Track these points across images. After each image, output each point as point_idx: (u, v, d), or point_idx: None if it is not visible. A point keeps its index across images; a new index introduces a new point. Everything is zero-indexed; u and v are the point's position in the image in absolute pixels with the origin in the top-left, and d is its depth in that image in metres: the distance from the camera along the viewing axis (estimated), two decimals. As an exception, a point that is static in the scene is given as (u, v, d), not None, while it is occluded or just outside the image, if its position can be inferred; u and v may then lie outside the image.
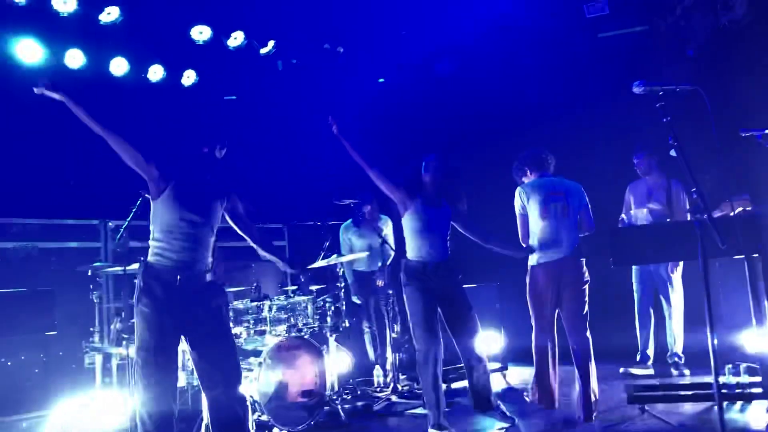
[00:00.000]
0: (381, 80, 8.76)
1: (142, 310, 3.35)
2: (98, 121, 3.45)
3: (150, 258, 3.46)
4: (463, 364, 4.64)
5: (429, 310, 4.50)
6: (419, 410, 5.16)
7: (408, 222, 4.66)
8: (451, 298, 4.62)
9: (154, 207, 3.52)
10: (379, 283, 6.67)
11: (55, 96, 3.46)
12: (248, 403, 3.70)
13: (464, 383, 5.25)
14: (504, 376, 6.64)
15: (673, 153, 3.07)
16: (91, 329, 5.46)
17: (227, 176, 3.68)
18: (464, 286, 4.81)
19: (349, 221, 6.98)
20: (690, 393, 4.76)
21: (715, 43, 6.67)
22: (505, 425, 4.52)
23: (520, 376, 6.64)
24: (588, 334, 4.70)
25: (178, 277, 3.39)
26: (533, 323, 4.92)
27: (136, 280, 3.45)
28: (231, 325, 3.97)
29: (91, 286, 5.59)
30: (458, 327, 4.59)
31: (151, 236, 3.51)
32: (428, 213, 4.62)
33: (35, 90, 3.49)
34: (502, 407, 4.65)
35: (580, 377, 4.61)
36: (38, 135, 6.28)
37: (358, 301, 6.84)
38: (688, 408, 4.62)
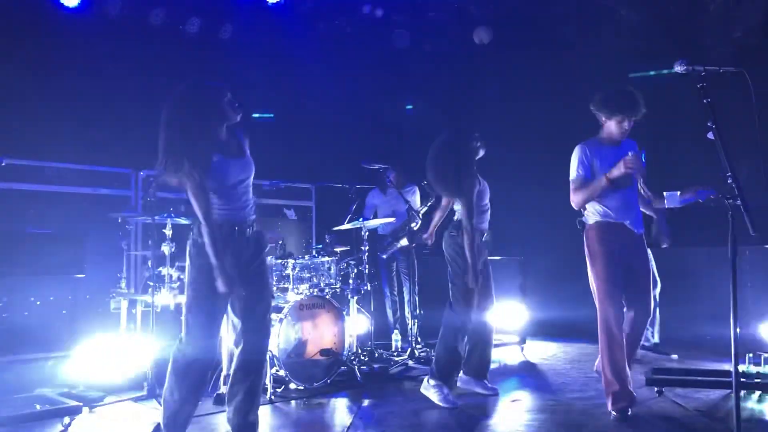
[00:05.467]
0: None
1: (201, 263, 3.29)
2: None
3: None
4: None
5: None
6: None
7: None
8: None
9: None
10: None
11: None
12: (268, 357, 3.74)
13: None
14: (522, 350, 6.65)
15: (710, 136, 3.00)
16: (119, 275, 5.59)
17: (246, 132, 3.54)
18: (488, 258, 4.87)
19: (375, 188, 7.02)
20: (709, 379, 4.73)
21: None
22: (489, 394, 4.77)
23: (538, 350, 6.66)
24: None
25: (236, 228, 3.39)
26: None
27: (191, 234, 3.34)
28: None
29: (120, 234, 5.70)
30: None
31: None
32: None
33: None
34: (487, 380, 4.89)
35: None
36: (77, 80, 6.33)
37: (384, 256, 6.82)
38: (708, 394, 4.58)
